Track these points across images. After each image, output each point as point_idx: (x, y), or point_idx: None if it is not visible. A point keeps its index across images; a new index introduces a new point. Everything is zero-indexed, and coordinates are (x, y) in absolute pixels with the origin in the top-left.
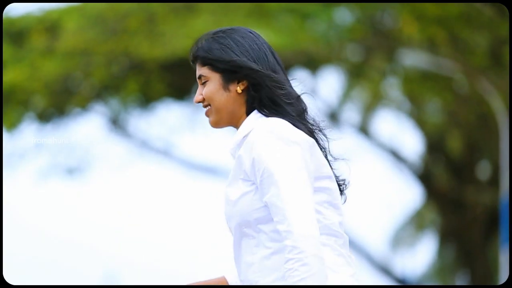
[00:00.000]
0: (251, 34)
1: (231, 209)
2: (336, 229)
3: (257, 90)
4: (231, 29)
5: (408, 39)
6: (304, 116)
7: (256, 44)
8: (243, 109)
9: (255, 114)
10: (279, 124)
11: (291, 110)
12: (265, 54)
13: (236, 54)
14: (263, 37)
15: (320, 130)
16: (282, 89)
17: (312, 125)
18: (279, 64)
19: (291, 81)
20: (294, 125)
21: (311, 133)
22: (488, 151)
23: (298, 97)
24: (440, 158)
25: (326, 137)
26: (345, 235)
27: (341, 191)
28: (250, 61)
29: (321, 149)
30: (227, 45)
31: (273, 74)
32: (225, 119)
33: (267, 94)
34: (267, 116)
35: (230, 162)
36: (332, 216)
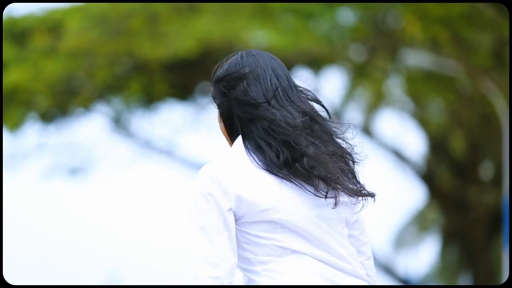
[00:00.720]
0: (238, 58)
1: None
2: (295, 249)
3: (222, 115)
4: (230, 55)
5: (411, 39)
6: (273, 129)
7: (236, 67)
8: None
9: (234, 143)
10: (212, 163)
11: (256, 127)
12: (242, 76)
13: (213, 82)
14: (258, 57)
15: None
16: (245, 108)
17: (285, 135)
18: (264, 80)
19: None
20: (256, 149)
21: (277, 156)
22: (491, 151)
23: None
24: (443, 158)
25: (311, 141)
26: (318, 252)
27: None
28: (222, 87)
29: (296, 159)
30: (215, 72)
31: (239, 94)
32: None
33: (233, 117)
34: (245, 145)
35: None
36: (288, 237)
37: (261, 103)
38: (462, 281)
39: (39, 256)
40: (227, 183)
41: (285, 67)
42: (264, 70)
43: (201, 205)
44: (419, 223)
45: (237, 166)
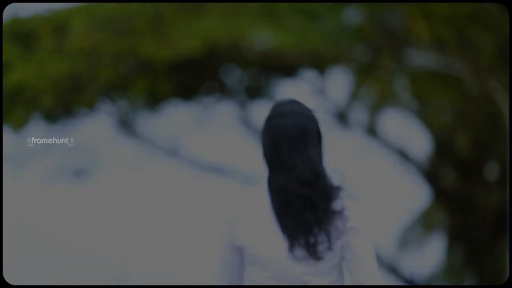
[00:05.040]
0: (267, 119)
1: None
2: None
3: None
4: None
5: (417, 39)
6: (272, 182)
7: (266, 130)
8: None
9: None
10: (240, 193)
11: (270, 175)
12: (271, 138)
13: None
14: (281, 119)
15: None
16: (265, 161)
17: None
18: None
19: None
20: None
21: (276, 195)
22: (496, 151)
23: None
24: (448, 158)
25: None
26: None
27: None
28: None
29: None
30: None
31: (265, 151)
32: None
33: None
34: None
35: (240, 163)
36: (258, 274)
37: (268, 170)
38: (467, 281)
39: (46, 256)
40: (237, 215)
41: (312, 120)
42: (278, 133)
43: (221, 241)
44: (424, 223)
45: (234, 208)
